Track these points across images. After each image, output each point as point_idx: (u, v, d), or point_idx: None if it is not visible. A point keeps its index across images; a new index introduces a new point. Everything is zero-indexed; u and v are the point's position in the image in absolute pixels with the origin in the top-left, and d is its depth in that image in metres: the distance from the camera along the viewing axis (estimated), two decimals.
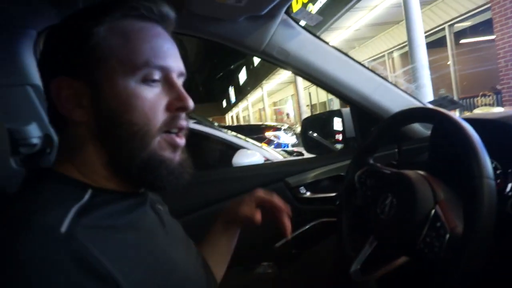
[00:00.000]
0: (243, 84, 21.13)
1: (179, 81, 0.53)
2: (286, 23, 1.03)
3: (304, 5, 7.84)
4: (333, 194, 1.24)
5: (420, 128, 1.25)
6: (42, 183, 0.48)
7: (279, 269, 1.21)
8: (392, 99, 1.16)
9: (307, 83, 13.69)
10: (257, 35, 1.00)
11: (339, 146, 1.51)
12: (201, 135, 3.01)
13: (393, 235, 0.73)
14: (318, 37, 1.09)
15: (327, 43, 1.10)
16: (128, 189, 0.53)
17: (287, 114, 15.55)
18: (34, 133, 0.93)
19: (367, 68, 1.15)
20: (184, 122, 0.53)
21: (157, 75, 0.50)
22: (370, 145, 0.93)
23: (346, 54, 1.13)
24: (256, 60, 15.67)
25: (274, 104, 22.76)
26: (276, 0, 0.85)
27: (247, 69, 19.11)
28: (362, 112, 1.21)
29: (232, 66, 21.23)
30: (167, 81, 0.51)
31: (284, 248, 1.24)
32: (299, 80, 12.77)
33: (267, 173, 1.29)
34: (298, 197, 1.23)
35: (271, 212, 0.80)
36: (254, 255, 1.22)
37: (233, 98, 25.78)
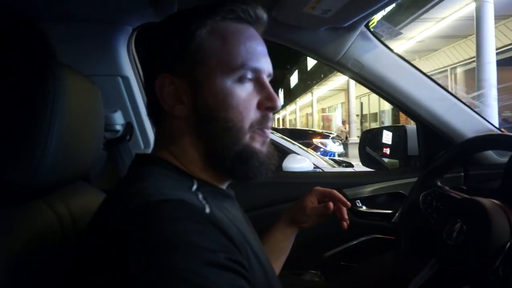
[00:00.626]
0: (293, 87, 21.07)
1: (268, 81, 0.56)
2: (364, 35, 1.03)
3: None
4: (390, 211, 1.22)
5: (491, 154, 1.18)
6: (154, 167, 0.51)
7: (326, 279, 1.21)
8: (465, 121, 1.11)
9: (359, 92, 13.33)
10: (335, 46, 1.02)
11: (386, 160, 1.48)
12: None
13: (459, 262, 0.71)
14: (394, 52, 1.08)
15: (403, 58, 1.09)
16: (218, 182, 0.56)
17: (343, 121, 15.01)
18: (118, 120, 1.02)
19: (442, 86, 1.11)
20: (271, 121, 0.55)
21: (250, 76, 0.53)
22: (440, 167, 0.90)
23: (421, 71, 1.10)
24: (310, 65, 15.53)
25: (323, 110, 22.44)
26: (360, 14, 0.86)
27: (299, 73, 19.02)
28: (430, 131, 1.17)
29: (284, 69, 21.22)
30: (258, 81, 0.54)
31: (333, 259, 1.23)
32: (352, 88, 12.45)
33: (323, 182, 1.29)
34: (353, 210, 1.23)
35: (335, 208, 0.83)
36: (302, 262, 1.23)
37: (281, 100, 25.82)
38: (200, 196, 0.48)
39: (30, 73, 0.52)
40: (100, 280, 0.39)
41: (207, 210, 0.45)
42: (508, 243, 0.64)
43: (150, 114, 0.58)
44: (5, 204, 0.51)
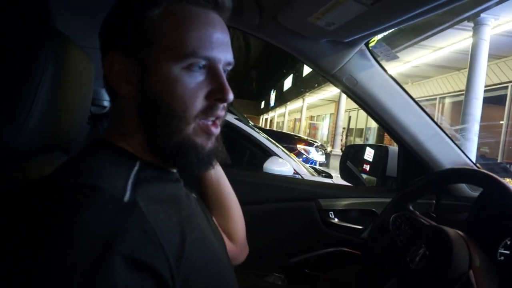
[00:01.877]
0: (286, 90, 21.15)
1: (224, 71, 0.54)
2: (363, 53, 1.05)
3: None
4: (360, 227, 1.25)
5: (463, 186, 1.23)
6: (95, 151, 0.52)
7: (288, 283, 1.23)
8: (445, 151, 1.15)
9: (349, 106, 13.51)
10: (333, 59, 1.03)
11: (364, 176, 1.51)
12: (236, 131, 3.06)
13: (418, 285, 0.74)
14: (389, 74, 1.10)
15: (396, 81, 1.11)
16: (166, 166, 0.55)
17: (344, 129, 14.69)
18: (106, 96, 1.01)
19: (428, 114, 1.15)
20: (222, 112, 0.53)
21: (202, 64, 0.50)
22: (414, 192, 0.93)
23: (411, 97, 1.13)
24: (305, 71, 15.63)
25: (311, 118, 22.62)
26: (363, 33, 0.88)
27: (294, 77, 19.11)
28: (410, 155, 1.21)
29: (281, 71, 21.28)
30: (211, 70, 0.51)
31: (298, 265, 1.25)
32: (343, 101, 12.61)
33: (300, 189, 1.31)
34: (325, 221, 1.25)
35: None
36: (267, 264, 1.24)
37: (272, 102, 25.86)
38: (130, 182, 0.47)
39: (24, 36, 0.51)
40: None
41: (126, 198, 0.44)
42: (466, 275, 0.67)
43: (106, 90, 0.56)
44: None
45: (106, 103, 1.01)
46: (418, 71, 8.98)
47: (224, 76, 0.53)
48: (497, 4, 4.61)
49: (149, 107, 0.50)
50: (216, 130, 0.53)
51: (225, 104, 0.53)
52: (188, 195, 0.60)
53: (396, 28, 0.91)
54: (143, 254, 0.41)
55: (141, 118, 0.51)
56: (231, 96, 0.52)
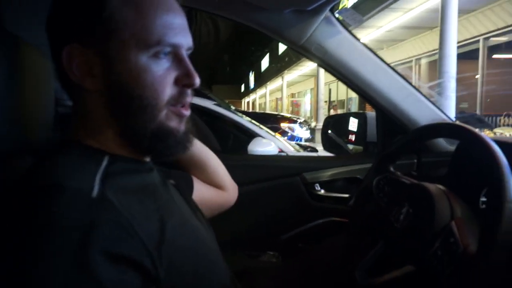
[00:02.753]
0: (264, 71, 21.00)
1: (187, 55, 0.54)
2: (329, 20, 1.03)
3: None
4: (347, 195, 1.26)
5: (442, 142, 1.24)
6: (62, 151, 0.51)
7: (283, 260, 1.24)
8: (421, 110, 1.16)
9: (328, 79, 13.53)
10: (299, 29, 1.01)
11: (350, 146, 1.52)
12: (218, 117, 3.04)
13: (403, 243, 0.75)
14: (357, 39, 1.09)
15: (366, 45, 1.10)
16: (139, 157, 0.55)
17: (334, 106, 14.60)
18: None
19: (401, 76, 1.15)
20: (190, 98, 0.54)
21: (167, 51, 0.50)
22: (393, 154, 0.94)
23: (382, 60, 1.13)
24: (281, 49, 15.50)
25: (292, 95, 22.63)
26: None
27: (271, 56, 18.95)
28: (388, 119, 1.21)
29: (256, 51, 21.06)
30: (176, 56, 0.52)
31: (290, 241, 1.27)
32: (321, 74, 12.59)
33: (284, 166, 1.31)
34: (312, 194, 1.26)
35: None
36: (260, 244, 1.25)
37: (252, 84, 25.69)
38: (98, 177, 0.46)
39: None
40: None
41: (94, 193, 0.44)
42: (448, 226, 0.68)
43: (63, 87, 0.54)
44: None
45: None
46: (392, 35, 9.01)
47: (188, 61, 0.52)
48: None
49: (120, 98, 0.49)
50: (187, 112, 0.54)
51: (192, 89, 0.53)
52: (165, 183, 0.60)
53: None
54: (121, 247, 0.41)
55: (111, 111, 0.51)
56: (197, 81, 0.52)
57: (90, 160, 0.49)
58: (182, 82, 0.51)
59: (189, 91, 0.53)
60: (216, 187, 0.85)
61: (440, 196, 0.73)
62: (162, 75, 0.50)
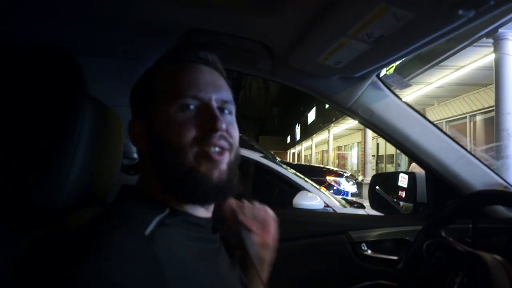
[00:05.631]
0: (310, 123, 21.17)
1: (224, 108, 0.61)
2: (376, 85, 1.08)
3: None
4: (395, 258, 1.21)
5: (501, 208, 1.18)
6: (129, 197, 0.59)
7: None
8: (474, 173, 1.12)
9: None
10: (346, 93, 1.07)
11: (401, 203, 1.47)
12: (264, 169, 3.08)
13: None
14: (404, 102, 1.12)
15: (412, 108, 1.13)
16: (186, 208, 0.59)
17: (373, 156, 13.76)
18: (135, 148, 1.09)
19: (451, 137, 1.14)
20: (220, 141, 0.58)
21: (193, 103, 0.58)
22: (445, 218, 0.91)
23: (430, 121, 1.13)
24: (327, 104, 15.62)
25: (339, 148, 22.34)
26: (370, 67, 0.92)
27: (317, 110, 19.18)
28: (438, 180, 1.18)
29: (303, 105, 21.46)
30: (202, 106, 0.59)
31: None
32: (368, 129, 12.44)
33: (330, 223, 1.30)
34: (358, 253, 1.22)
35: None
36: None
37: (298, 136, 25.87)
38: (156, 220, 0.53)
39: (62, 101, 0.59)
40: None
41: (147, 231, 0.50)
42: None
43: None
44: (25, 225, 0.54)
45: (136, 155, 1.09)
46: (442, 91, 8.80)
47: (215, 109, 0.59)
48: None
49: (155, 148, 0.58)
50: (221, 158, 0.57)
51: (223, 134, 0.58)
52: (213, 240, 0.63)
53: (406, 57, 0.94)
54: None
55: (152, 162, 0.59)
56: (219, 124, 0.57)
57: (153, 207, 0.56)
58: (206, 126, 0.57)
59: (216, 135, 0.57)
60: None
61: (497, 267, 0.70)
62: (186, 121, 0.57)
